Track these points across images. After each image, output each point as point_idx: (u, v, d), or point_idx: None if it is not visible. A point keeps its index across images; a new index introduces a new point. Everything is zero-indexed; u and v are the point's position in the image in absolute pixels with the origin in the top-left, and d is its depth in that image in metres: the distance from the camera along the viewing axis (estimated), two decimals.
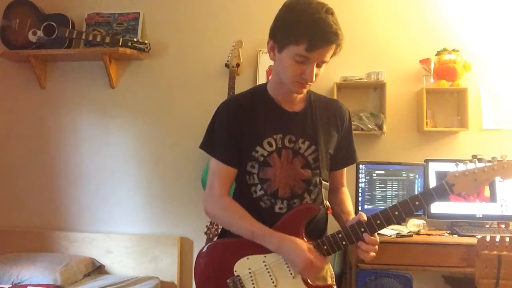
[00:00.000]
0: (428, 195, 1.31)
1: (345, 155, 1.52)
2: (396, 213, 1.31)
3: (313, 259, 1.30)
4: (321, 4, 1.28)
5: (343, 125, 1.48)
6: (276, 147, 1.40)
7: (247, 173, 1.41)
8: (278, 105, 1.43)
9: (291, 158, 1.40)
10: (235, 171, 1.42)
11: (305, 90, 1.38)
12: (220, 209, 1.41)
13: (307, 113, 1.44)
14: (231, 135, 1.41)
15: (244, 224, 1.37)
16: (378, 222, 1.32)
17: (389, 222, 1.32)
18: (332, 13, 1.28)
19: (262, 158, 1.39)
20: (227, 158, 1.41)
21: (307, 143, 1.41)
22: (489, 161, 1.30)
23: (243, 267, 1.37)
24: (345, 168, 1.57)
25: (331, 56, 1.33)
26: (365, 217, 1.34)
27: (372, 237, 1.32)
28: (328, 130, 1.44)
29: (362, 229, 1.32)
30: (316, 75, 1.32)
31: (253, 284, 1.36)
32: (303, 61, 1.29)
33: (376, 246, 1.33)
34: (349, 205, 1.52)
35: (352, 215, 1.44)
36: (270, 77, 1.45)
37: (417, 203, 1.31)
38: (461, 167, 1.31)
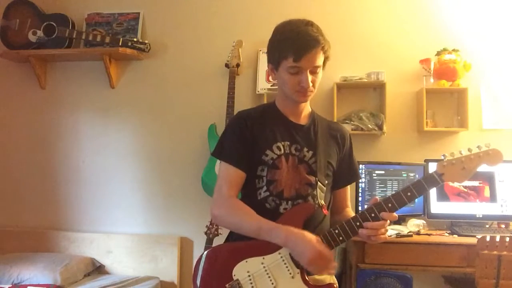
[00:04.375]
0: (419, 185, 1.36)
1: (347, 173, 1.59)
2: (390, 205, 1.36)
3: (321, 250, 1.31)
4: (300, 20, 1.44)
5: (344, 144, 1.57)
6: (284, 152, 1.47)
7: (257, 177, 1.46)
8: (285, 117, 1.53)
9: (296, 164, 1.47)
10: (244, 176, 1.47)
11: (308, 98, 1.49)
12: (226, 209, 1.43)
13: (311, 127, 1.54)
14: (241, 140, 1.47)
15: (251, 220, 1.39)
16: (373, 215, 1.36)
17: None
18: (312, 24, 1.43)
19: (271, 161, 1.46)
20: (236, 160, 1.46)
21: (311, 152, 1.49)
22: (473, 151, 1.36)
23: (242, 270, 1.37)
24: (349, 187, 1.63)
25: (325, 61, 1.45)
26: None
27: (372, 223, 1.35)
28: (328, 145, 1.53)
29: (358, 223, 1.37)
30: (313, 82, 1.43)
31: (252, 286, 1.36)
32: (297, 72, 1.41)
33: (382, 229, 1.36)
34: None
35: None
36: (277, 94, 1.59)
37: (409, 193, 1.35)
38: (449, 157, 1.36)
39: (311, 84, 1.42)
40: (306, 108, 1.56)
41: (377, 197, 1.41)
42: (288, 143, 1.48)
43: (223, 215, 1.44)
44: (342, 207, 1.61)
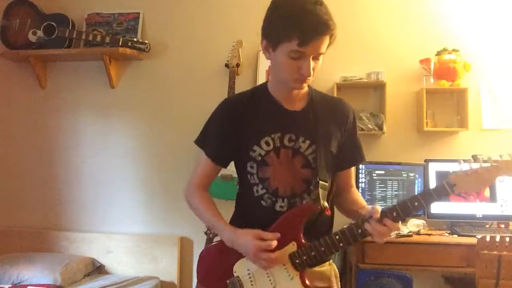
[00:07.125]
0: (428, 196, 1.26)
1: (350, 155, 1.47)
2: (395, 214, 1.27)
3: (260, 244, 1.27)
4: None
5: (346, 124, 1.44)
6: (274, 146, 1.37)
7: (248, 173, 1.41)
8: (278, 104, 1.40)
9: (290, 157, 1.37)
10: (219, 168, 1.50)
11: (305, 85, 1.36)
12: (193, 199, 1.48)
13: (308, 111, 1.40)
14: (223, 134, 1.43)
15: (207, 216, 1.45)
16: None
17: None
18: (321, 3, 1.23)
19: (259, 158, 1.37)
20: (215, 155, 1.46)
21: (307, 142, 1.37)
22: (492, 161, 1.26)
23: (242, 267, 1.37)
24: (353, 168, 1.53)
25: (327, 47, 1.28)
26: (378, 214, 1.26)
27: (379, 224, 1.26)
28: (329, 129, 1.40)
29: (360, 231, 1.29)
30: (313, 69, 1.28)
31: (252, 284, 1.35)
32: (299, 57, 1.24)
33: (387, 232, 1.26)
34: (363, 202, 1.46)
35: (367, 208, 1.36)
36: (269, 76, 1.46)
37: (416, 203, 1.26)
38: (464, 166, 1.26)
39: (312, 72, 1.27)
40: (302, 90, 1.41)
41: (377, 207, 1.30)
42: (279, 134, 1.36)
43: (191, 203, 1.50)
44: (347, 187, 1.51)
